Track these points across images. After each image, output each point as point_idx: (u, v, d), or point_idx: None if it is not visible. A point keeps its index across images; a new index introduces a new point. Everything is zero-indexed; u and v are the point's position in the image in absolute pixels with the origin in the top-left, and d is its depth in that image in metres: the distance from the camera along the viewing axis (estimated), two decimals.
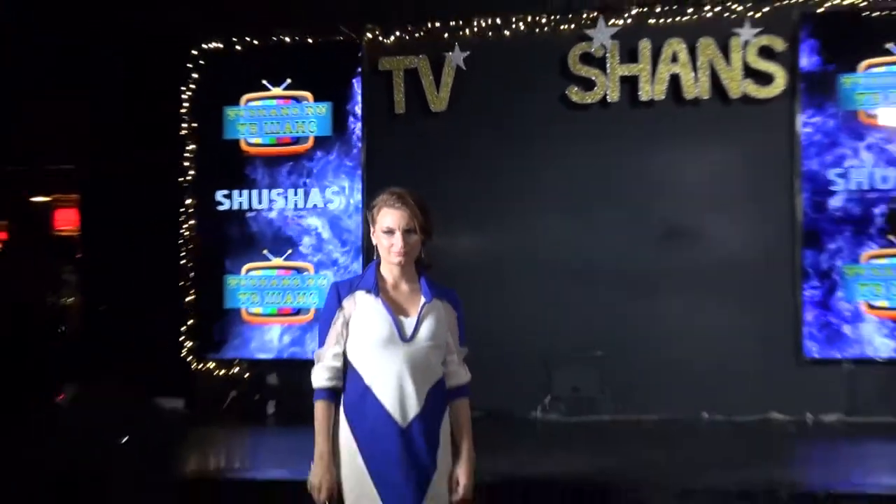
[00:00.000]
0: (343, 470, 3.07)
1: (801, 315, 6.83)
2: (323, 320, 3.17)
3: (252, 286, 7.58)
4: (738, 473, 4.59)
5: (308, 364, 3.17)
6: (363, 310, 3.08)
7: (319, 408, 3.12)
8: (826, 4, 6.89)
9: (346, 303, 3.12)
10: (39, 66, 8.04)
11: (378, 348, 3.04)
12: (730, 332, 6.87)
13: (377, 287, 3.10)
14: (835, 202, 6.82)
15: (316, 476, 3.06)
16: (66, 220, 11.19)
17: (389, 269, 3.13)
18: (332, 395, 3.13)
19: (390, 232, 3.06)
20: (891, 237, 6.72)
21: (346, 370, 3.13)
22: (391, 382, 3.02)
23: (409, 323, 3.07)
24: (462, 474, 3.10)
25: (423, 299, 3.11)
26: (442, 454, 3.08)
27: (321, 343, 3.16)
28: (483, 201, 7.31)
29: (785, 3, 6.93)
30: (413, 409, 3.01)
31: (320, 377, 3.12)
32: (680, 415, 6.73)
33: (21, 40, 7.94)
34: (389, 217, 3.06)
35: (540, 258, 7.19)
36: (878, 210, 6.77)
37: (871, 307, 6.75)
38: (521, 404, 7.07)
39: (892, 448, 5.61)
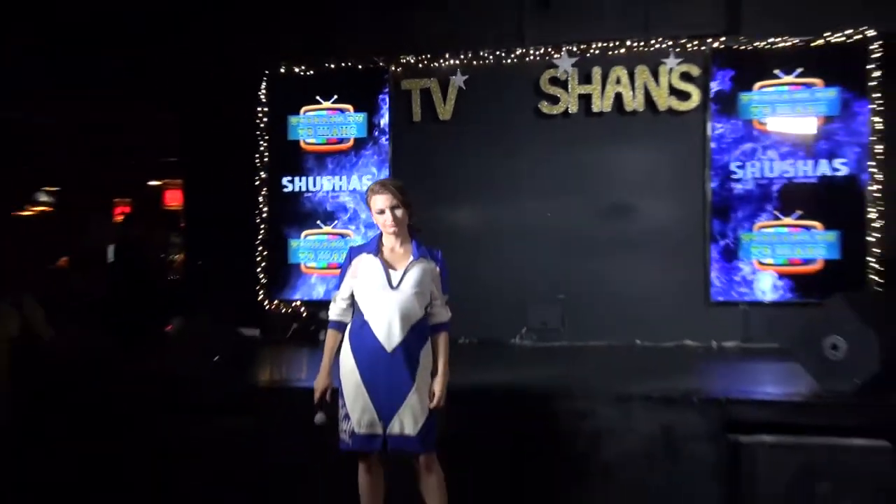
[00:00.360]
0: (343, 379, 3.12)
1: (709, 269, 6.78)
2: (340, 273, 3.27)
3: (309, 247, 7.53)
4: (661, 384, 4.56)
5: None
6: (366, 266, 3.13)
7: (329, 334, 3.23)
8: (730, 41, 6.77)
9: (355, 262, 3.18)
10: (155, 86, 8.01)
11: (374, 293, 3.09)
12: (657, 281, 6.82)
13: (378, 250, 3.15)
14: (736, 186, 6.73)
15: (317, 381, 3.18)
16: (174, 199, 11.19)
17: (387, 237, 3.17)
18: (339, 326, 3.22)
19: (381, 212, 3.12)
20: (776, 212, 6.65)
21: (353, 308, 3.20)
22: (382, 319, 3.05)
23: (395, 275, 3.10)
24: (437, 388, 3.13)
25: (411, 258, 3.14)
26: (421, 372, 3.10)
27: (336, 288, 3.27)
28: (477, 185, 7.24)
29: (700, 40, 6.81)
30: (396, 339, 3.04)
31: (333, 312, 3.24)
32: (619, 341, 6.70)
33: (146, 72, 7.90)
34: (378, 201, 3.12)
35: (520, 227, 7.12)
36: (767, 192, 6.68)
37: (761, 263, 6.68)
38: (504, 334, 7.03)
39: (775, 367, 5.58)
